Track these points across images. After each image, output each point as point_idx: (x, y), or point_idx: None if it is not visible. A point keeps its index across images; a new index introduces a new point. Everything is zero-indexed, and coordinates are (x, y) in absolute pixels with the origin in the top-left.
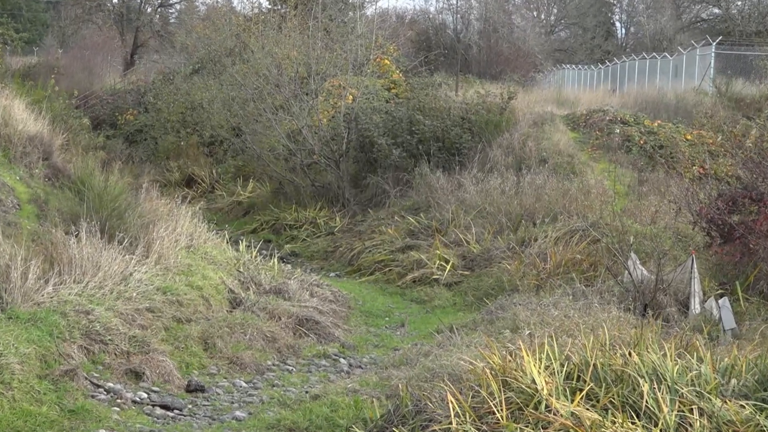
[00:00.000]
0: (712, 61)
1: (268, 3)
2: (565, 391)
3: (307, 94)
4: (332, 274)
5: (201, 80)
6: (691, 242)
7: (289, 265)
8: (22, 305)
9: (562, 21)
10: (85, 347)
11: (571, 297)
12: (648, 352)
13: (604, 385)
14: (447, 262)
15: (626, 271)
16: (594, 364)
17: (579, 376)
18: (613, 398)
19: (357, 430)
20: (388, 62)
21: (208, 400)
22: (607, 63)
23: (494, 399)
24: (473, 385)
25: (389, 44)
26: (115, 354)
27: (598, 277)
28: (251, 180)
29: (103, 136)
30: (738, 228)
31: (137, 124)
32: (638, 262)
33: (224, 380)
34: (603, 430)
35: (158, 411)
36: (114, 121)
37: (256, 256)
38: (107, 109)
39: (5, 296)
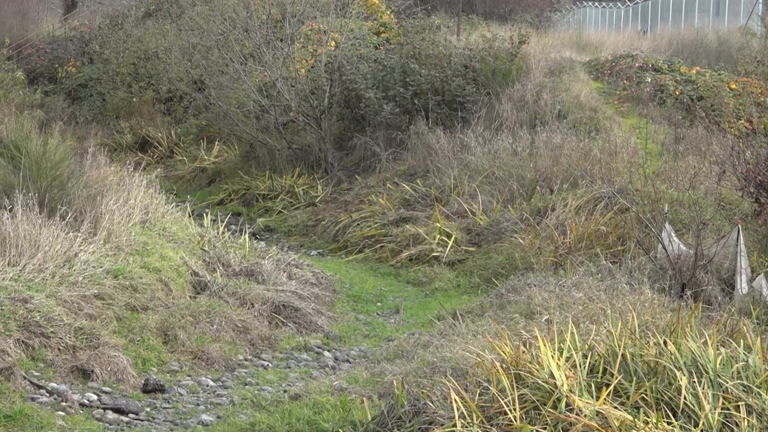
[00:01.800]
0: None
1: None
2: (589, 386)
3: (281, 40)
4: (314, 253)
5: (156, 25)
6: (737, 210)
7: (262, 243)
8: None
9: None
10: (23, 341)
11: (595, 276)
12: (686, 339)
13: (634, 379)
14: (449, 236)
15: (660, 245)
16: (623, 355)
17: (605, 369)
18: (646, 394)
19: None
20: (377, 1)
21: (168, 402)
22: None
23: (506, 397)
24: (481, 381)
25: None
26: (59, 349)
27: (627, 253)
28: (217, 142)
29: (40, 93)
30: None
31: (81, 78)
32: (674, 234)
33: (188, 378)
34: (634, 431)
35: (110, 415)
36: (53, 75)
37: (223, 232)
38: (45, 61)
39: None
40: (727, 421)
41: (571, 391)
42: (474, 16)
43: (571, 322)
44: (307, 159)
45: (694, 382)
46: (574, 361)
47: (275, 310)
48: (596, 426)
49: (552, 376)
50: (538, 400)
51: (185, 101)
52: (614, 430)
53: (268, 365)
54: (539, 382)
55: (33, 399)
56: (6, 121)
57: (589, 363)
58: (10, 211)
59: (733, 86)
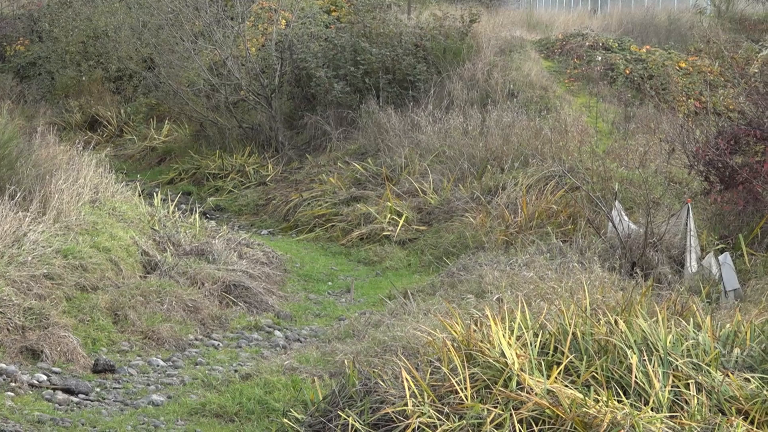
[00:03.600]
0: None
1: None
2: (540, 365)
3: (232, 19)
4: (264, 232)
5: (105, 3)
6: (687, 189)
7: (213, 222)
8: None
9: None
10: None
11: (546, 255)
12: (637, 318)
13: (585, 357)
14: (400, 215)
15: (610, 224)
16: (573, 334)
17: (556, 348)
18: (596, 373)
19: (295, 414)
20: None
21: (119, 382)
22: None
23: (457, 376)
24: (432, 360)
25: None
26: (8, 329)
27: (578, 232)
28: (167, 121)
29: None
30: (741, 171)
31: (29, 57)
32: (624, 212)
33: (138, 358)
34: (584, 409)
35: (60, 396)
36: (1, 53)
37: (173, 212)
38: None
39: None
40: (677, 398)
41: (522, 369)
42: None
43: (522, 300)
44: (257, 138)
45: (645, 360)
46: (525, 339)
47: (226, 289)
48: (547, 404)
49: (503, 354)
50: (489, 379)
51: (135, 80)
52: (565, 409)
53: (218, 345)
54: (490, 360)
55: None
56: None
57: (540, 341)
58: None
59: (683, 65)
